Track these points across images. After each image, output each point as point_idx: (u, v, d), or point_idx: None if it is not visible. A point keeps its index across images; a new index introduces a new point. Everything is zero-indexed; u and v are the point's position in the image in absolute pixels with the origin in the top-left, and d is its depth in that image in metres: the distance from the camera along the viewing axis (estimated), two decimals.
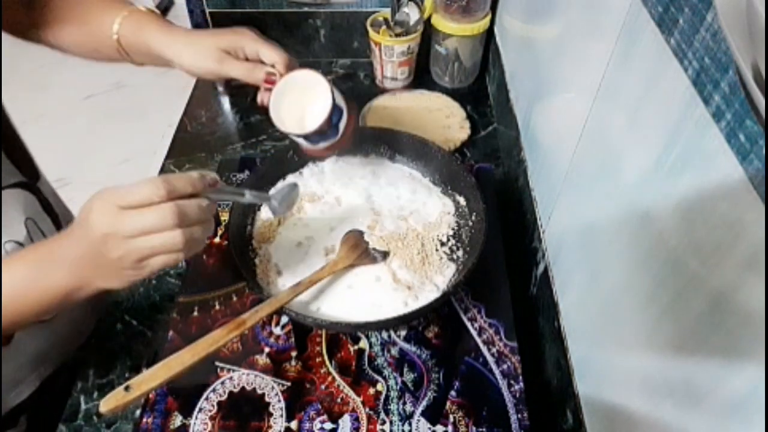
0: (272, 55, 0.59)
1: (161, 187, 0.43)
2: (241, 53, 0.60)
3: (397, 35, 0.95)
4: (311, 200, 0.72)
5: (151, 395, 0.57)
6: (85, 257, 0.46)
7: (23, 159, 0.63)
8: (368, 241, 0.66)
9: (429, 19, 0.97)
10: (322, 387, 0.59)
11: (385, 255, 0.65)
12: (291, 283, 0.61)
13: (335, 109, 0.58)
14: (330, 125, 0.59)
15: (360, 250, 0.65)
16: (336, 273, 0.63)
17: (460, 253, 0.67)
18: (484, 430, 0.56)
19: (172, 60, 0.60)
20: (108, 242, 0.43)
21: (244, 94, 1.02)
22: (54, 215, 0.66)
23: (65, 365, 0.69)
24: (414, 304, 0.60)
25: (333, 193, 0.73)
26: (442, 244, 0.68)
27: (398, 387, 0.59)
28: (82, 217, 0.45)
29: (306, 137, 0.60)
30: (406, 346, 0.62)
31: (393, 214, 0.70)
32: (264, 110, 0.60)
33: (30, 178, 0.63)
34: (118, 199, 0.43)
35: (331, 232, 0.68)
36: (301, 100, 0.59)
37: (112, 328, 0.67)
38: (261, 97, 0.61)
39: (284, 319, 0.64)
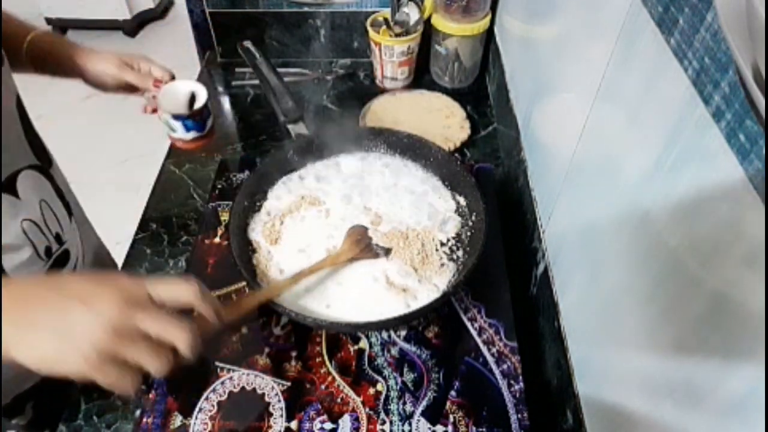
0: (161, 69, 0.75)
1: (197, 294, 0.42)
2: (135, 66, 0.74)
3: (397, 35, 0.95)
4: (311, 201, 0.72)
5: (151, 395, 0.58)
6: (26, 303, 0.39)
7: (37, 144, 0.64)
8: (371, 237, 0.66)
9: (429, 19, 0.97)
10: (322, 387, 0.59)
11: (387, 251, 0.65)
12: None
13: (206, 107, 0.76)
14: (201, 116, 0.75)
15: (363, 245, 0.65)
16: (337, 265, 0.63)
17: (460, 253, 0.67)
18: (484, 430, 0.56)
19: (80, 65, 0.72)
20: (102, 310, 0.38)
21: (244, 95, 1.02)
22: (65, 202, 0.67)
23: None
24: (414, 305, 0.60)
25: (332, 192, 0.73)
26: (442, 244, 0.68)
27: (398, 387, 0.59)
28: (89, 278, 0.41)
29: (183, 119, 0.74)
30: (406, 346, 0.62)
31: (393, 213, 0.70)
32: (153, 111, 0.76)
33: (43, 162, 0.64)
34: (149, 285, 0.41)
35: (332, 231, 0.68)
36: (182, 97, 0.76)
37: None
38: (148, 104, 0.76)
39: (284, 319, 0.64)
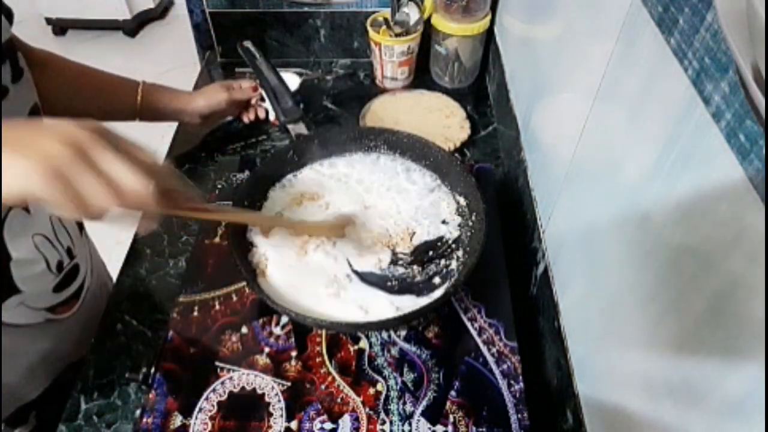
0: (246, 82, 0.89)
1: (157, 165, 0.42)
2: (235, 85, 0.87)
3: (397, 35, 0.95)
4: (311, 199, 0.72)
5: (151, 395, 0.58)
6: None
7: None
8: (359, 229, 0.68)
9: (429, 19, 0.97)
10: (322, 387, 0.59)
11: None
12: (287, 281, 0.62)
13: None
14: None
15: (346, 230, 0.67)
16: (315, 236, 0.65)
17: (460, 253, 0.67)
18: (484, 430, 0.56)
19: (184, 108, 0.82)
20: (63, 129, 0.38)
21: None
22: None
23: (74, 364, 0.70)
24: (414, 305, 0.60)
25: (332, 192, 0.73)
26: (442, 243, 0.68)
27: (398, 387, 0.59)
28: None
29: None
30: (406, 346, 0.62)
31: (392, 213, 0.70)
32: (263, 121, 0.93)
33: None
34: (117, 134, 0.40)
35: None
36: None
37: (112, 328, 0.67)
38: (258, 112, 0.92)
39: (284, 319, 0.64)
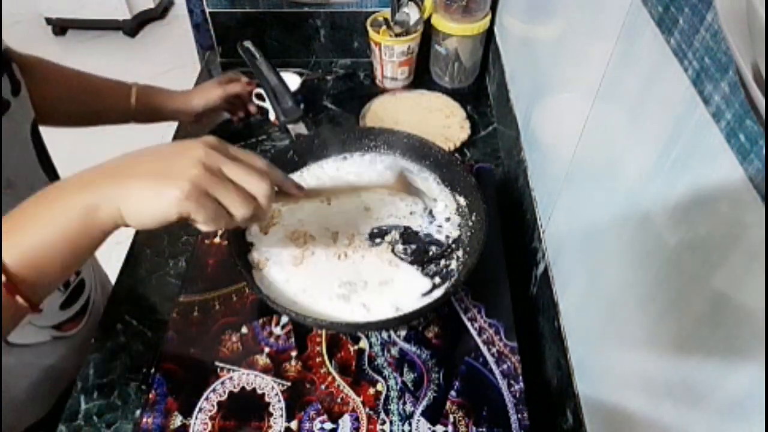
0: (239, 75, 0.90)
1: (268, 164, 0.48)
2: (227, 80, 0.87)
3: (397, 35, 0.95)
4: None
5: (151, 395, 0.58)
6: (121, 165, 0.42)
7: (51, 169, 0.64)
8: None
9: (429, 19, 0.97)
10: (322, 387, 0.59)
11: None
12: (285, 278, 0.62)
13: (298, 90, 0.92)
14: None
15: (405, 185, 0.70)
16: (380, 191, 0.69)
17: (460, 253, 0.67)
18: (484, 430, 0.56)
19: (181, 108, 0.83)
20: (194, 153, 0.42)
21: None
22: None
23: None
24: (414, 305, 0.60)
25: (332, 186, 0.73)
26: (442, 243, 0.68)
27: (398, 387, 0.59)
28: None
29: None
30: (406, 346, 0.62)
31: (391, 213, 0.70)
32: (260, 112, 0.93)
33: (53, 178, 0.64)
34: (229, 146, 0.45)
35: (327, 230, 0.68)
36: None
37: (112, 328, 0.67)
38: (250, 108, 0.92)
39: (284, 319, 0.64)
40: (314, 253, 0.65)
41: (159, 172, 0.41)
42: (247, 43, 0.84)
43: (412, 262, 0.65)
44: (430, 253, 0.67)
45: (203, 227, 0.43)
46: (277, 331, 0.63)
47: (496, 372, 0.60)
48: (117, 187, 0.40)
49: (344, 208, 0.70)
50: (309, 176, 0.75)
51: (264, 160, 0.47)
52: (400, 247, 0.67)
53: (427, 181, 0.74)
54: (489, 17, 0.96)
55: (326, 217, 0.70)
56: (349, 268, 0.64)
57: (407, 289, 0.62)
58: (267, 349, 0.61)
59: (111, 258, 0.89)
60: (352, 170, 0.76)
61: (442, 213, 0.71)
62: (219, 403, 0.57)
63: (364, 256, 0.65)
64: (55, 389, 0.67)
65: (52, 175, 0.63)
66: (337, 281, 0.62)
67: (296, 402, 0.57)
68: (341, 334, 0.63)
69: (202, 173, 0.41)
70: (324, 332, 0.63)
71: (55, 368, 0.66)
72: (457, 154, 0.89)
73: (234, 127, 0.96)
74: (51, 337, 0.65)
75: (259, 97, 0.94)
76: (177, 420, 0.56)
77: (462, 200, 0.71)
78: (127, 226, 0.42)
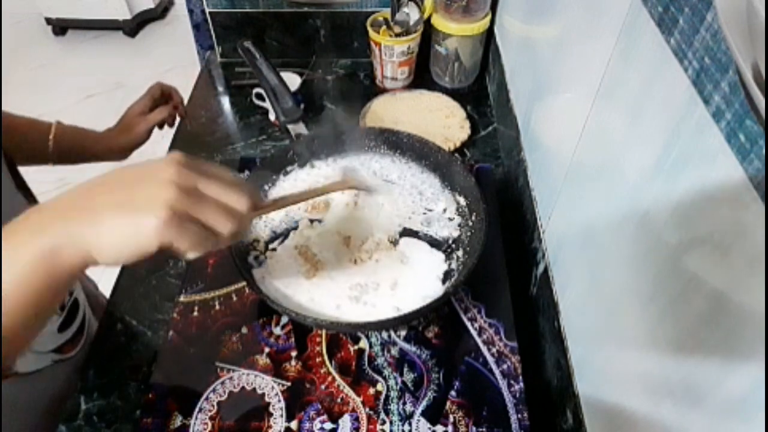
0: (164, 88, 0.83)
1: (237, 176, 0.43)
2: (150, 102, 0.81)
3: (397, 35, 0.95)
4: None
5: (151, 395, 0.58)
6: (82, 198, 0.37)
7: (27, 191, 0.62)
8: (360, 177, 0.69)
9: (429, 19, 0.97)
10: (322, 387, 0.59)
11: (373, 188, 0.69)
12: (285, 283, 0.62)
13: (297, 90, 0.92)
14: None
15: (352, 180, 0.67)
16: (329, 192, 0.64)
17: (460, 253, 0.67)
18: (484, 430, 0.56)
19: (107, 150, 0.77)
20: (164, 175, 0.37)
21: (244, 95, 1.02)
22: None
23: None
24: (413, 305, 0.60)
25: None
26: (442, 243, 0.68)
27: (398, 387, 0.59)
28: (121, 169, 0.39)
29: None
30: (406, 346, 0.62)
31: (391, 213, 0.70)
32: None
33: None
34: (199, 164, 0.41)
35: (328, 229, 0.68)
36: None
37: (112, 328, 0.67)
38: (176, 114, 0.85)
39: (284, 319, 0.64)
40: (325, 265, 0.65)
41: (129, 202, 0.36)
42: (247, 43, 0.84)
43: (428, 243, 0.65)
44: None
45: (188, 254, 0.39)
46: (277, 331, 0.63)
47: (496, 372, 0.60)
48: (82, 224, 0.36)
49: (342, 214, 0.70)
50: (309, 176, 0.75)
51: (236, 175, 0.44)
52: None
53: (428, 182, 0.74)
54: (489, 17, 0.96)
55: (328, 217, 0.70)
56: (362, 271, 0.64)
57: (423, 280, 0.63)
58: (267, 349, 0.61)
59: None
60: (351, 171, 0.76)
61: (443, 213, 0.71)
62: (219, 403, 0.57)
63: (378, 259, 0.65)
64: (56, 417, 0.66)
65: (27, 193, 0.62)
66: (348, 283, 0.62)
67: (296, 402, 0.57)
68: (341, 334, 0.63)
69: (177, 195, 0.37)
70: (324, 332, 0.63)
71: (59, 393, 0.64)
72: (457, 154, 0.89)
73: (234, 127, 0.96)
74: (52, 362, 0.63)
75: (259, 97, 0.94)
76: (177, 420, 0.56)
77: (462, 200, 0.71)
78: (96, 265, 0.37)
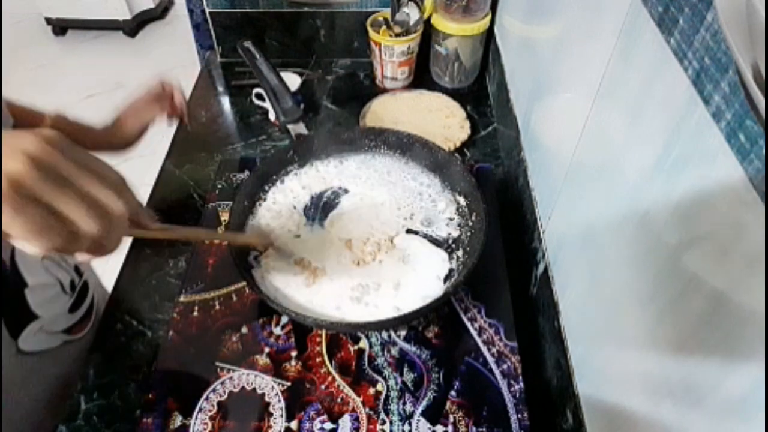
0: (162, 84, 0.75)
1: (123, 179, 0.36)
2: (147, 99, 0.74)
3: (397, 35, 0.95)
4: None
5: (151, 395, 0.58)
6: None
7: None
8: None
9: (429, 19, 0.97)
10: (322, 387, 0.59)
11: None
12: (285, 283, 0.62)
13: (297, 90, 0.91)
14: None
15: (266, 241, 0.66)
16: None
17: (460, 253, 0.67)
18: (484, 430, 0.56)
19: (100, 140, 0.70)
20: (18, 143, 0.31)
21: (244, 95, 1.02)
22: None
23: None
24: (413, 305, 0.60)
25: (332, 187, 0.73)
26: (442, 243, 0.68)
27: (398, 387, 0.59)
28: None
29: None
30: (406, 346, 0.62)
31: (392, 214, 0.70)
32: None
33: None
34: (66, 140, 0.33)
35: (329, 229, 0.68)
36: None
37: (112, 328, 0.67)
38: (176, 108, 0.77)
39: (284, 319, 0.64)
40: (324, 271, 0.65)
41: None
42: (247, 43, 0.84)
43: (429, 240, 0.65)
44: None
45: (24, 244, 0.31)
46: (277, 331, 0.63)
47: (496, 372, 0.60)
48: None
49: (343, 219, 0.70)
50: (309, 176, 0.75)
51: (120, 175, 0.36)
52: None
53: (430, 186, 0.74)
54: (489, 17, 0.96)
55: (328, 218, 0.70)
56: (364, 272, 0.64)
57: (423, 280, 0.63)
58: (267, 349, 0.61)
59: (111, 258, 0.89)
60: (351, 170, 0.76)
61: (443, 213, 0.71)
62: (219, 403, 0.57)
63: (382, 260, 0.65)
64: (66, 396, 0.67)
65: None
66: (350, 285, 0.62)
67: (296, 402, 0.57)
68: (341, 334, 0.63)
69: (25, 168, 0.30)
70: (324, 332, 0.63)
71: (68, 373, 0.66)
72: (457, 154, 0.89)
73: (234, 127, 0.96)
74: (62, 342, 0.65)
75: (259, 97, 0.94)
76: (177, 420, 0.56)
77: (462, 200, 0.71)
78: None
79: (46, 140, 0.32)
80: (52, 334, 0.63)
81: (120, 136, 0.73)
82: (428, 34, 1.00)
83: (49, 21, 2.77)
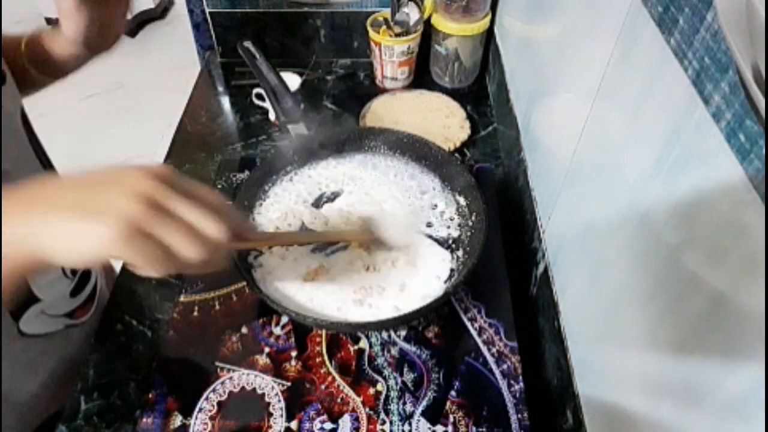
0: None
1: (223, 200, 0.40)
2: None
3: (397, 35, 0.95)
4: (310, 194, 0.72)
5: (151, 395, 0.58)
6: (42, 192, 0.35)
7: (43, 156, 0.63)
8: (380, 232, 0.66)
9: (429, 19, 0.97)
10: (322, 387, 0.59)
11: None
12: (285, 283, 0.62)
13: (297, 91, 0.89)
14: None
15: (373, 235, 0.65)
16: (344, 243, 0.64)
17: (460, 253, 0.67)
18: (484, 430, 0.56)
19: (57, 41, 0.63)
20: (130, 182, 0.35)
21: (244, 95, 1.02)
22: None
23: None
24: (413, 305, 0.60)
25: (332, 187, 0.73)
26: (442, 243, 0.68)
27: (398, 387, 0.59)
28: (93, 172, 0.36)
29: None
30: (406, 346, 0.62)
31: (392, 214, 0.70)
32: None
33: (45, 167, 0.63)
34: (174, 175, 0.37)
35: (329, 229, 0.68)
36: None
37: (112, 328, 0.67)
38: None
39: (284, 319, 0.64)
40: (329, 270, 0.65)
41: (88, 204, 0.34)
42: (247, 43, 0.84)
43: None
44: None
45: (144, 273, 0.36)
46: (277, 331, 0.63)
47: (496, 372, 0.60)
48: (32, 220, 0.34)
49: (350, 212, 0.70)
50: (309, 176, 0.75)
51: (221, 197, 0.40)
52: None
53: (430, 186, 0.74)
54: (489, 17, 0.96)
55: (328, 218, 0.69)
56: (371, 275, 0.64)
57: (425, 279, 0.63)
58: (267, 349, 0.61)
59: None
60: (351, 170, 0.76)
61: (443, 214, 0.71)
62: (219, 403, 0.57)
63: (394, 262, 0.65)
64: (70, 379, 0.67)
65: (46, 163, 0.63)
66: (353, 287, 0.62)
67: (296, 402, 0.57)
68: (341, 334, 0.63)
69: (137, 207, 0.34)
70: (324, 332, 0.63)
71: (70, 357, 0.67)
72: (457, 154, 0.89)
73: (234, 127, 0.96)
74: (64, 326, 0.65)
75: (259, 97, 0.94)
76: (177, 420, 0.56)
77: (462, 200, 0.71)
78: (53, 264, 0.35)
79: (155, 176, 0.36)
80: (53, 317, 0.63)
81: (62, 37, 0.64)
82: (428, 34, 1.00)
83: (49, 21, 2.77)
